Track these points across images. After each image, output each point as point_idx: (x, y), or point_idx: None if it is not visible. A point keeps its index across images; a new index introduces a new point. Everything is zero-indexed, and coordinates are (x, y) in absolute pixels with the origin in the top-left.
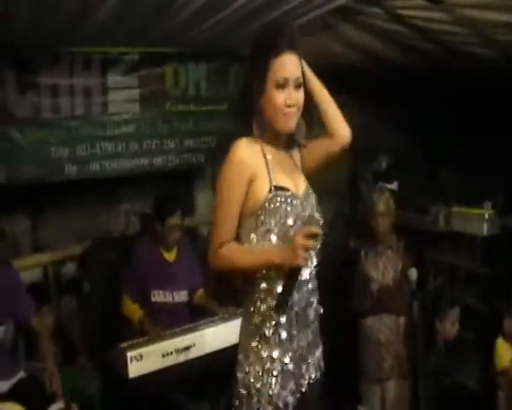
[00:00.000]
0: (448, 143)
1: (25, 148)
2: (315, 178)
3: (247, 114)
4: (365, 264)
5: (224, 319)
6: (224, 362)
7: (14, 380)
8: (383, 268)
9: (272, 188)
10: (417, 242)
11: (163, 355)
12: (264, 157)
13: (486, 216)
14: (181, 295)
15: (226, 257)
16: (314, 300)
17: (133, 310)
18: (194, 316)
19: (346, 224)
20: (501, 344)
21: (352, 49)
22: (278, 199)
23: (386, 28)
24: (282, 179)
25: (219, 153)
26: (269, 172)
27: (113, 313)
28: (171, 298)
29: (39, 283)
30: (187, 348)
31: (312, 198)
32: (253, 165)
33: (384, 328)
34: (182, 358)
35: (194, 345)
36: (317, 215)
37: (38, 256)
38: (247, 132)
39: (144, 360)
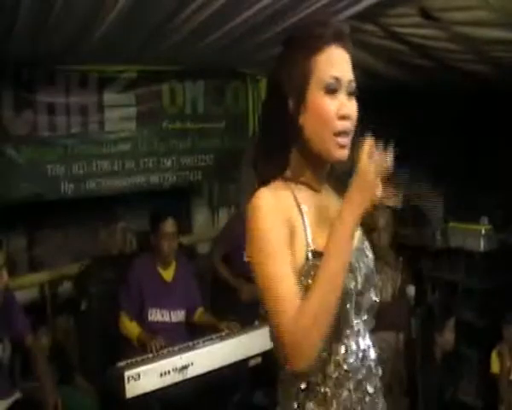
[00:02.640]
0: (445, 158)
1: (21, 165)
2: None
3: (278, 145)
4: None
5: (223, 338)
6: (222, 381)
7: (10, 401)
8: (381, 285)
9: (309, 254)
10: (415, 258)
11: (161, 374)
12: (298, 207)
13: (483, 232)
14: (178, 315)
15: (308, 319)
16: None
17: (131, 328)
18: (192, 336)
19: None
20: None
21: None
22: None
23: (382, 45)
24: (323, 240)
25: (216, 171)
26: (305, 229)
27: (110, 331)
28: (169, 317)
29: (36, 302)
30: (185, 367)
31: (367, 252)
32: (288, 214)
33: (383, 345)
34: (180, 377)
35: (193, 364)
36: (375, 278)
37: (35, 275)
38: (269, 173)
39: (142, 380)
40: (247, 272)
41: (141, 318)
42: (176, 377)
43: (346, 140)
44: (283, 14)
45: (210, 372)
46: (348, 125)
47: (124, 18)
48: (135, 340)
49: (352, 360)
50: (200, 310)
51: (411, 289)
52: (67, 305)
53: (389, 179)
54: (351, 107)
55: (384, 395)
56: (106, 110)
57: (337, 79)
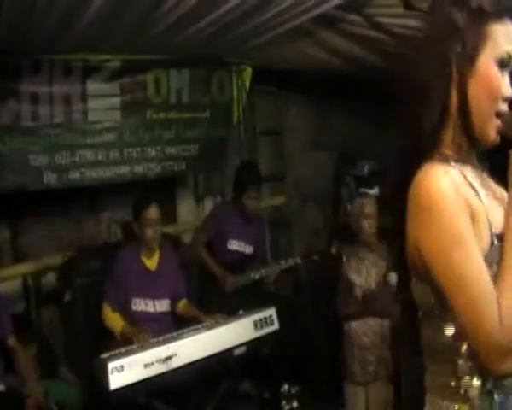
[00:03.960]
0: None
1: (4, 156)
2: (298, 182)
3: (438, 113)
4: (348, 269)
5: (208, 327)
6: (207, 371)
7: None
8: (366, 273)
9: (495, 239)
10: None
11: (145, 365)
12: (472, 187)
13: None
14: (163, 304)
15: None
16: None
17: (114, 320)
18: (178, 326)
19: (328, 229)
20: None
21: (333, 55)
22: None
23: (367, 35)
24: (500, 221)
25: (201, 161)
26: (486, 211)
27: (95, 322)
28: (153, 307)
29: (20, 294)
30: (169, 358)
31: None
32: (466, 196)
33: (369, 331)
34: (164, 368)
35: (177, 354)
36: None
37: (19, 266)
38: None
39: (126, 371)
40: (231, 261)
41: (125, 308)
42: (160, 368)
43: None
44: (266, 5)
45: (195, 362)
46: (506, 108)
47: (108, 7)
48: (118, 333)
49: None
50: (183, 301)
51: (393, 277)
52: (51, 296)
53: None
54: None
55: (371, 381)
56: (90, 100)
57: (510, 57)
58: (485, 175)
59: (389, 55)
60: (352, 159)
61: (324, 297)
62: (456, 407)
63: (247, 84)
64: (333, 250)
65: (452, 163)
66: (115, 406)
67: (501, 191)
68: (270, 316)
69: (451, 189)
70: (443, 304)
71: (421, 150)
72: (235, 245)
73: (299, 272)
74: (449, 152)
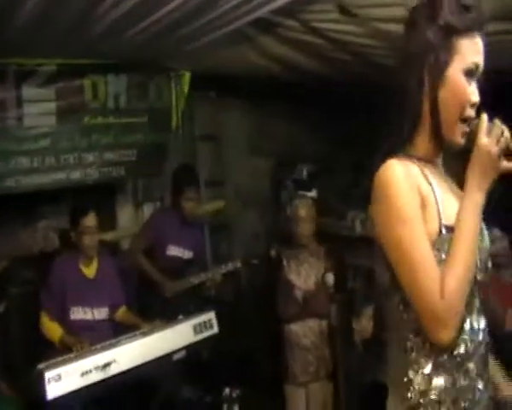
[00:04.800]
0: (365, 148)
1: None
2: (237, 187)
3: (410, 117)
4: (288, 271)
5: (145, 334)
6: (146, 377)
7: None
8: (305, 275)
9: (443, 228)
10: (337, 247)
11: (82, 374)
12: (427, 181)
13: None
14: (101, 312)
15: (453, 292)
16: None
17: (52, 329)
18: (117, 334)
19: (269, 233)
20: None
21: (271, 60)
22: (447, 246)
23: (304, 40)
24: (453, 215)
25: (140, 166)
26: (437, 203)
27: (32, 333)
28: (92, 315)
29: None
30: (107, 365)
31: (484, 232)
32: (419, 186)
33: (309, 332)
34: (102, 375)
35: (115, 361)
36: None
37: None
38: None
39: (63, 380)
40: (170, 266)
41: (63, 317)
42: (98, 376)
43: (467, 129)
44: (204, 9)
45: (133, 369)
46: (473, 113)
47: (40, 10)
48: (56, 341)
49: (476, 339)
50: (122, 309)
51: (330, 277)
52: None
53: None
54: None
55: (311, 381)
56: (25, 105)
57: (477, 66)
58: (447, 176)
59: (326, 60)
60: (290, 163)
61: (264, 300)
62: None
63: (186, 89)
64: (272, 253)
65: (413, 160)
66: None
67: (456, 191)
68: (210, 320)
69: (403, 175)
70: (394, 280)
71: (395, 147)
72: (174, 251)
73: (239, 276)
74: (413, 152)
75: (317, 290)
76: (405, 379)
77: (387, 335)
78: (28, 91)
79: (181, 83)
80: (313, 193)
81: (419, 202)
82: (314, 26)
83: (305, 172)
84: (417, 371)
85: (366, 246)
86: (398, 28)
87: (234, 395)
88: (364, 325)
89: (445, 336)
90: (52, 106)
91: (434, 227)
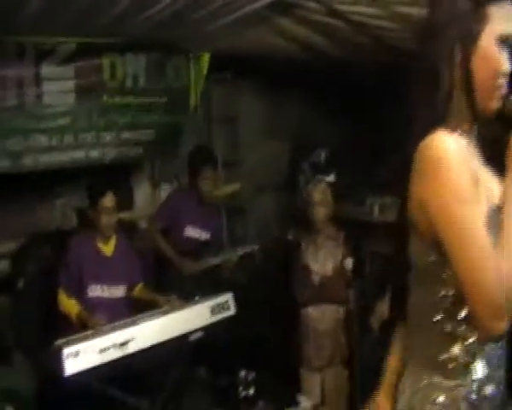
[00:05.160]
0: (385, 135)
1: None
2: (255, 172)
3: (445, 90)
4: (305, 255)
5: (163, 313)
6: (163, 356)
7: None
8: (323, 259)
9: (490, 207)
10: (355, 232)
11: (100, 351)
12: (474, 157)
13: None
14: (119, 290)
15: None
16: None
17: (70, 305)
18: (134, 312)
19: (285, 217)
20: None
21: (289, 42)
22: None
23: (323, 22)
24: (495, 193)
25: (157, 146)
26: (483, 180)
27: (49, 310)
28: (109, 292)
29: None
30: (125, 343)
31: None
32: (470, 162)
33: (325, 318)
34: (120, 353)
35: (133, 340)
36: None
37: None
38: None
39: (81, 357)
40: (187, 247)
41: (80, 294)
42: (116, 354)
43: (501, 95)
44: None
45: (150, 348)
46: (505, 83)
47: None
48: (74, 318)
49: None
50: (140, 285)
51: (349, 262)
52: (3, 284)
53: None
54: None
55: (326, 367)
56: (44, 83)
57: (508, 36)
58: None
59: (345, 42)
60: (307, 146)
61: (280, 284)
62: (446, 383)
63: (205, 70)
64: (289, 237)
65: (459, 132)
66: (70, 392)
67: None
68: (227, 301)
69: (458, 151)
70: (441, 263)
71: (431, 125)
72: (191, 232)
73: (254, 258)
74: (455, 124)
75: (334, 276)
76: (441, 359)
77: (414, 320)
78: (47, 70)
79: (200, 64)
80: (331, 177)
81: (473, 179)
82: (334, 7)
83: (322, 156)
84: (454, 354)
85: (384, 232)
86: (419, 12)
87: (249, 377)
88: (383, 309)
89: (500, 325)
90: (71, 84)
91: (485, 207)
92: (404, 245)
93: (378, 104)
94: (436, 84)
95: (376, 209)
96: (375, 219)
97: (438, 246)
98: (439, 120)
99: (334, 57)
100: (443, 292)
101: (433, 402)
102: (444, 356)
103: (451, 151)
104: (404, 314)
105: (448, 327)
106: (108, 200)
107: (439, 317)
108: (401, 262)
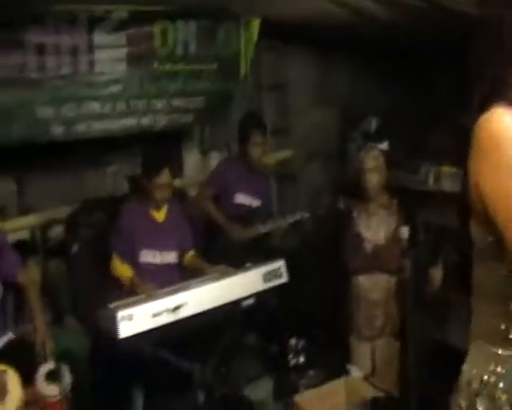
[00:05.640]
0: (440, 101)
1: (10, 108)
2: (305, 139)
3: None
4: (357, 223)
5: (217, 278)
6: (214, 322)
7: (2, 341)
8: (376, 227)
9: None
10: (408, 201)
11: (153, 315)
12: None
13: None
14: (170, 256)
15: None
16: None
17: (123, 270)
18: (184, 278)
19: (335, 185)
20: None
21: (340, 7)
22: None
23: None
24: None
25: (208, 113)
26: None
27: (102, 274)
28: (160, 258)
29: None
30: (177, 308)
31: None
32: None
33: (376, 287)
34: (172, 318)
35: (185, 305)
36: None
37: (25, 219)
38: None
39: (135, 320)
40: (238, 214)
41: (132, 259)
42: (168, 318)
43: None
44: None
45: (202, 313)
46: None
47: None
48: (128, 283)
49: None
50: (191, 253)
51: (405, 231)
52: (58, 248)
53: None
54: None
55: (377, 337)
56: (96, 51)
57: None
58: None
59: (399, 7)
60: (357, 114)
61: (330, 252)
62: (506, 353)
63: (255, 36)
64: (341, 205)
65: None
66: (123, 355)
67: None
68: (279, 268)
69: None
70: (499, 243)
71: (493, 95)
72: (241, 199)
73: (304, 226)
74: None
75: (386, 244)
76: (501, 330)
77: (477, 293)
78: (99, 37)
79: (250, 30)
80: (384, 145)
81: None
82: None
83: (373, 124)
84: None
85: (439, 201)
86: None
87: (300, 345)
88: (436, 275)
89: None
90: (123, 52)
91: None
92: (467, 219)
93: (431, 70)
94: (497, 52)
95: (431, 178)
96: (430, 188)
97: (495, 227)
98: (498, 91)
99: (386, 22)
100: (504, 271)
101: (492, 372)
102: (503, 328)
103: (506, 129)
104: (461, 287)
105: (510, 304)
106: (164, 177)
107: (501, 293)
108: (463, 236)
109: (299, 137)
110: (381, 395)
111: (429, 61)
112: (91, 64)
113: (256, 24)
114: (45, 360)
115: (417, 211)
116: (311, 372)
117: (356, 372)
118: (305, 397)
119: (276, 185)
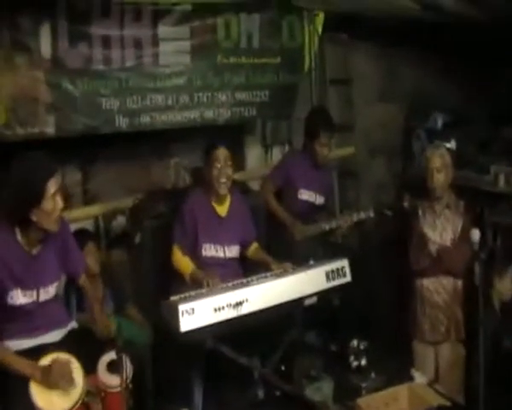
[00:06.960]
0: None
1: (76, 99)
2: (368, 135)
3: None
4: (423, 224)
5: (277, 276)
6: (276, 319)
7: (65, 330)
8: (441, 228)
9: None
10: (476, 202)
11: (215, 310)
12: None
13: None
14: (232, 250)
15: None
16: None
17: (184, 263)
18: (246, 272)
19: (399, 184)
20: None
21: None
22: None
23: None
24: None
25: (271, 107)
26: None
27: (163, 265)
28: (223, 253)
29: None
30: (239, 304)
31: None
32: None
33: (441, 290)
34: (234, 313)
35: (247, 300)
36: None
37: (89, 208)
38: None
39: (196, 314)
40: (301, 210)
41: (194, 252)
42: (230, 313)
43: None
44: None
45: (265, 310)
46: None
47: None
48: (187, 275)
49: None
50: (254, 245)
51: (476, 234)
52: (121, 238)
53: None
54: None
55: (442, 341)
56: (160, 43)
57: None
58: None
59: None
60: (422, 111)
61: (393, 252)
62: None
63: (319, 29)
64: (405, 204)
65: None
66: (184, 348)
67: None
68: (343, 268)
69: None
70: None
71: None
72: (305, 195)
73: (365, 225)
74: None
75: (453, 247)
76: None
77: None
78: (164, 30)
79: (314, 23)
80: (451, 144)
81: None
82: None
83: (439, 122)
84: None
85: (509, 202)
86: None
87: (361, 347)
88: (506, 285)
89: None
90: (187, 44)
91: None
92: None
93: (504, 66)
94: None
95: (502, 179)
96: (500, 190)
97: None
98: None
99: (456, 15)
100: None
101: None
102: None
103: None
104: None
105: None
106: (221, 152)
107: None
108: None
109: (363, 133)
110: (446, 402)
111: (503, 57)
112: (155, 56)
113: (321, 17)
114: (107, 350)
115: (486, 213)
116: (373, 376)
117: (420, 378)
118: (367, 401)
119: (338, 181)
